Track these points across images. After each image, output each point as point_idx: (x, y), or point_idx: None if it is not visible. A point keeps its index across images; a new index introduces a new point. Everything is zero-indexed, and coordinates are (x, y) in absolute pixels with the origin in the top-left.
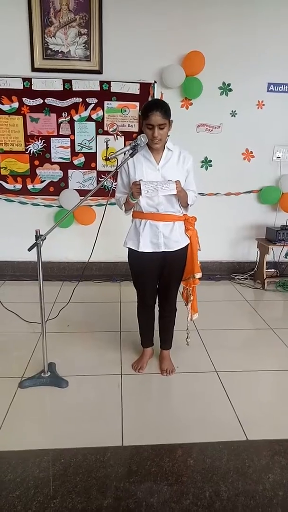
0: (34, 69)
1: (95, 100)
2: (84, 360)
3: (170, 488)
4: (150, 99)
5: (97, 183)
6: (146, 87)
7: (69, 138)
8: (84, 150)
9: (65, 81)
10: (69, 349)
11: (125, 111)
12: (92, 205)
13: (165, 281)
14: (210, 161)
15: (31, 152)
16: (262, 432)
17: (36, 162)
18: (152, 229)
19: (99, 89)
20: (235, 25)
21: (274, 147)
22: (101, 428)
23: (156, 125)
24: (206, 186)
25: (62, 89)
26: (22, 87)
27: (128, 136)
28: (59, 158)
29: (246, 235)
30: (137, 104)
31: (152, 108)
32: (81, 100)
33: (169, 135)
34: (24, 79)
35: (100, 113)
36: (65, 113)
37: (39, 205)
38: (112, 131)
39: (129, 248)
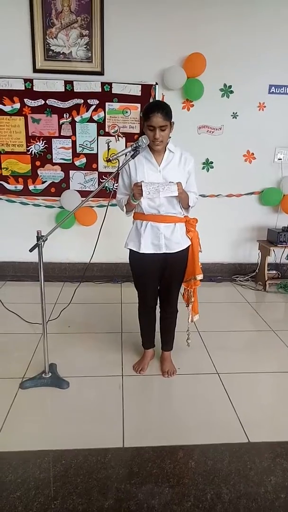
0: (35, 70)
1: (96, 102)
2: (85, 361)
3: (171, 490)
4: (151, 100)
5: (99, 184)
6: (147, 89)
7: (70, 139)
8: (85, 151)
9: (66, 82)
10: (70, 350)
11: (127, 112)
12: (93, 206)
13: (166, 283)
14: (212, 162)
15: (33, 153)
16: (264, 434)
17: (38, 163)
18: (153, 231)
19: (100, 91)
20: (236, 27)
21: (275, 149)
22: (102, 429)
23: (158, 126)
24: (207, 187)
25: (63, 90)
26: (23, 88)
27: (130, 137)
28: (60, 159)
29: (247, 236)
30: (139, 105)
31: (153, 110)
32: (82, 101)
33: (170, 137)
34: (25, 80)
35: (102, 114)
36: (66, 114)
37: (40, 206)
38: (113, 133)
39: (130, 250)
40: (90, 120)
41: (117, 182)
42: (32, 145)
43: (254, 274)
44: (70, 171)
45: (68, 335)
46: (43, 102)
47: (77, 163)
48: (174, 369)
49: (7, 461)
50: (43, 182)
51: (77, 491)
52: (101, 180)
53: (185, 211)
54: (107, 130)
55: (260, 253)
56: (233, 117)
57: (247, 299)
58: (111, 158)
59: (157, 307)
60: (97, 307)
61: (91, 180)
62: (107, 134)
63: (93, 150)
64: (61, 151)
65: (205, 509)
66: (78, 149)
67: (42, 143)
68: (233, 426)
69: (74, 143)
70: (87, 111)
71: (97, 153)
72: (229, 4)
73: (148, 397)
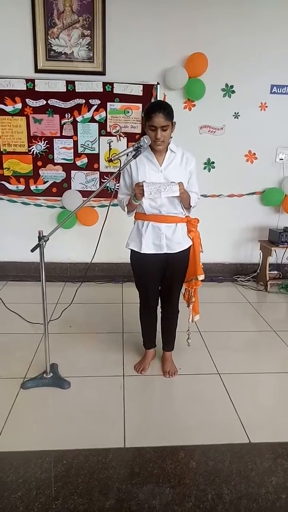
0: (37, 70)
1: (98, 102)
2: (86, 361)
3: (172, 491)
4: (153, 100)
5: (100, 184)
6: (149, 89)
7: (72, 139)
8: (87, 151)
9: (68, 82)
10: (71, 350)
11: (128, 112)
12: (94, 206)
13: (168, 283)
14: (213, 162)
15: (34, 153)
16: (265, 435)
17: (39, 163)
18: (155, 231)
19: (102, 91)
20: (236, 27)
21: (277, 149)
22: (103, 430)
23: (159, 126)
24: (208, 187)
25: (65, 90)
26: (25, 88)
27: (131, 137)
28: (62, 159)
29: (248, 237)
30: (140, 105)
31: (155, 110)
32: (84, 101)
33: (172, 137)
34: (27, 80)
35: (103, 114)
36: (68, 114)
37: (41, 206)
38: (115, 132)
39: (131, 250)
40: (92, 120)
41: (118, 182)
42: (33, 145)
43: (255, 274)
44: (72, 171)
45: (70, 335)
46: (44, 102)
47: (78, 163)
48: (175, 369)
49: (9, 461)
50: (45, 182)
51: (78, 491)
52: (103, 180)
53: (186, 211)
54: (108, 130)
55: (261, 253)
56: (234, 117)
57: (248, 299)
58: (112, 158)
59: (159, 307)
60: (98, 307)
61: (93, 180)
62: (109, 134)
63: (94, 150)
64: (62, 151)
65: (206, 509)
66: (80, 149)
67: (43, 143)
68: (234, 427)
69: (75, 143)
70: (88, 111)
71: (98, 153)
72: (229, 4)
73: (149, 397)
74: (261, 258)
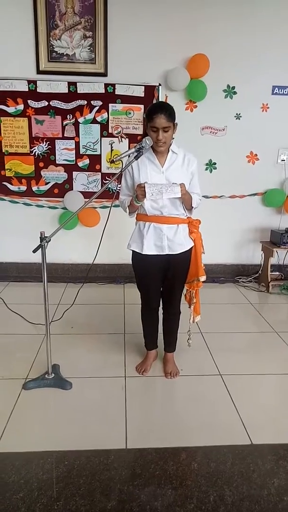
0: (39, 72)
1: (99, 103)
2: (88, 362)
3: (174, 492)
4: (154, 101)
5: (102, 185)
6: (150, 90)
7: (73, 140)
8: (88, 152)
9: (70, 84)
10: (73, 351)
11: (130, 113)
12: (96, 207)
13: (169, 284)
14: (215, 163)
15: (36, 154)
16: (267, 437)
17: (41, 164)
18: (156, 232)
19: (103, 92)
20: (237, 26)
21: (278, 150)
22: (105, 431)
23: (161, 128)
24: (210, 188)
25: (67, 91)
26: (27, 90)
27: (133, 138)
28: (63, 160)
29: (250, 238)
30: (142, 106)
31: (156, 111)
32: (86, 102)
33: (173, 138)
34: (29, 82)
35: (105, 115)
36: (70, 116)
37: (43, 207)
38: (116, 134)
39: (133, 251)
40: (94, 121)
41: (120, 183)
42: (35, 146)
43: (257, 275)
44: (74, 172)
45: (71, 336)
46: (46, 103)
47: (80, 164)
48: (176, 371)
49: (10, 462)
50: (47, 183)
51: (80, 492)
52: (104, 181)
53: (188, 212)
54: (110, 131)
55: (263, 254)
56: (236, 118)
57: (250, 300)
58: (114, 159)
59: (160, 308)
60: (100, 308)
61: (94, 181)
62: (111, 135)
63: (96, 151)
64: (64, 152)
65: (207, 511)
66: (82, 150)
67: (45, 144)
68: (236, 428)
69: (77, 144)
70: (90, 112)
71: (100, 154)
72: (229, 4)
73: (151, 398)
74: (262, 259)
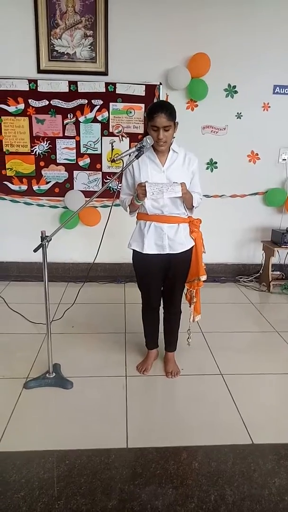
0: (40, 71)
1: (100, 102)
2: (89, 361)
3: (175, 491)
4: (155, 100)
5: (102, 185)
6: (151, 89)
7: (74, 140)
8: (89, 151)
9: (70, 83)
10: (74, 350)
11: (131, 112)
12: (97, 207)
13: (170, 283)
14: (216, 163)
15: (37, 153)
16: (268, 436)
17: (42, 163)
18: (157, 231)
19: (104, 91)
20: (237, 26)
21: (279, 149)
22: (106, 430)
23: (161, 127)
24: (211, 188)
25: (67, 90)
26: (28, 89)
27: (133, 137)
28: (64, 159)
29: (251, 237)
30: (143, 105)
31: (157, 110)
32: (86, 101)
33: (174, 137)
34: (30, 81)
35: (106, 114)
36: (70, 115)
37: (44, 206)
38: (117, 133)
39: (133, 250)
40: (94, 120)
41: (121, 183)
42: (36, 145)
43: (258, 275)
44: (74, 172)
45: (72, 335)
46: (47, 102)
47: (81, 163)
48: (177, 370)
49: (11, 461)
50: (47, 183)
51: (81, 492)
52: (105, 181)
53: (189, 211)
54: (111, 130)
55: (264, 253)
56: (237, 117)
57: (251, 300)
58: (115, 159)
59: (161, 307)
60: (100, 308)
61: (95, 180)
62: (111, 134)
63: (97, 150)
64: (65, 151)
65: (208, 510)
66: (82, 150)
67: (46, 144)
68: (237, 428)
69: (78, 143)
70: (91, 111)
71: (101, 154)
72: (229, 4)
73: (151, 398)
74: (263, 259)
